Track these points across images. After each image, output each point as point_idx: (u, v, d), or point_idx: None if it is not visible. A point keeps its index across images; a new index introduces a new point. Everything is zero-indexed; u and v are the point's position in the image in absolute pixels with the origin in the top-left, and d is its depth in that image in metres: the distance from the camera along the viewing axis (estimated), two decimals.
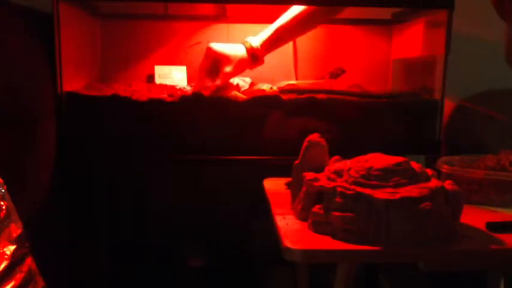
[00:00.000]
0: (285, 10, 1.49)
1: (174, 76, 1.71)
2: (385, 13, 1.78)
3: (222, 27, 1.77)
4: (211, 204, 1.70)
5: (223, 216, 1.70)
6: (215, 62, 1.43)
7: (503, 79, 1.73)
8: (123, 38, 1.76)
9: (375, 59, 1.83)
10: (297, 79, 1.78)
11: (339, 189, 0.90)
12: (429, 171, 0.98)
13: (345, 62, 1.78)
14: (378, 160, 0.95)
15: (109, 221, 1.59)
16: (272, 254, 1.08)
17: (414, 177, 0.93)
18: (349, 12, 1.75)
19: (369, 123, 1.48)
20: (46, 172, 1.35)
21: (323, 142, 1.07)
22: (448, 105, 1.64)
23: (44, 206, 1.33)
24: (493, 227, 0.96)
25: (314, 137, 1.07)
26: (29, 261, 0.86)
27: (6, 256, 0.81)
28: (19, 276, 0.82)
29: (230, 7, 1.73)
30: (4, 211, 0.84)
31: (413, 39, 1.67)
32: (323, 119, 1.45)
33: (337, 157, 1.06)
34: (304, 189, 0.99)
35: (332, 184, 0.93)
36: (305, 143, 1.07)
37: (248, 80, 1.66)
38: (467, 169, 1.20)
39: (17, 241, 0.84)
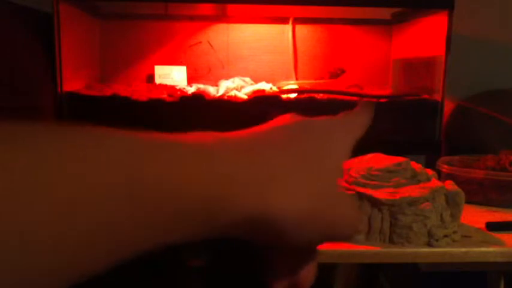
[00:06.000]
0: (284, 9, 1.49)
1: (174, 76, 1.71)
2: (385, 13, 1.78)
3: (222, 27, 1.77)
4: None
5: None
6: None
7: (503, 79, 1.73)
8: (123, 38, 1.76)
9: (375, 59, 1.83)
10: (296, 79, 1.78)
11: None
12: (429, 171, 0.98)
13: (345, 62, 1.78)
14: (378, 160, 0.95)
15: None
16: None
17: (414, 177, 0.93)
18: (349, 12, 1.76)
19: (369, 123, 1.48)
20: None
21: None
22: (448, 105, 1.64)
23: None
24: (493, 227, 0.96)
25: None
26: None
27: None
28: None
29: (230, 7, 1.73)
30: None
31: (413, 39, 1.66)
32: None
33: None
34: None
35: None
36: None
37: (248, 79, 1.66)
38: (467, 169, 1.20)
39: None
